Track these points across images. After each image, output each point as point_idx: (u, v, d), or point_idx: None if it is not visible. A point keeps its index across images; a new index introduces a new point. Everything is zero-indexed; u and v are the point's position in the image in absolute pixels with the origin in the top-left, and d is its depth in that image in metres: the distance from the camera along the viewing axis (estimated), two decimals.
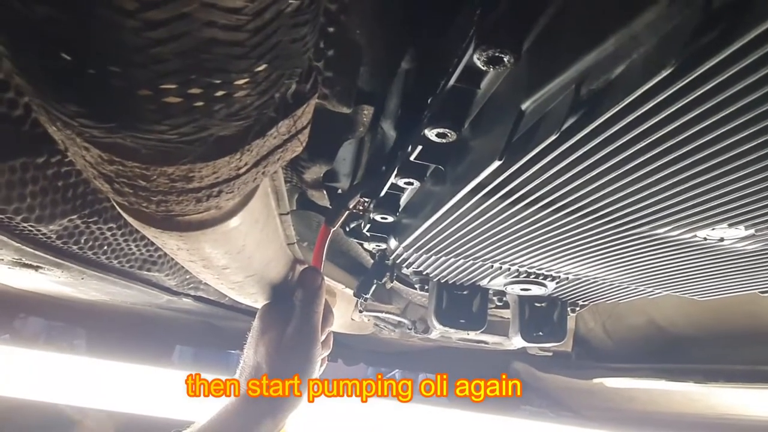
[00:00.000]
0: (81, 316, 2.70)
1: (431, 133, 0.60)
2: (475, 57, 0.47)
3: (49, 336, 3.49)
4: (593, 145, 0.45)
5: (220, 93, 0.33)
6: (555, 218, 0.64)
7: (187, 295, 1.32)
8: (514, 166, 0.52)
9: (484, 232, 0.73)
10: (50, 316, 2.98)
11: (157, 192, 0.45)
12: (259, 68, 0.34)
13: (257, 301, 1.06)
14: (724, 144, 0.43)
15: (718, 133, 0.41)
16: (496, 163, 0.51)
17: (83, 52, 0.29)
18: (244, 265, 0.79)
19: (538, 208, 0.61)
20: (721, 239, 0.66)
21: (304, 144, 0.55)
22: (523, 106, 0.47)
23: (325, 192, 1.03)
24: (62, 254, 0.86)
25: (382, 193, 0.83)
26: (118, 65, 0.30)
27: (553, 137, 0.45)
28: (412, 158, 0.66)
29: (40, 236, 0.77)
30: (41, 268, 0.94)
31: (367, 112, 0.78)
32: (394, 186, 0.80)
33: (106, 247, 0.90)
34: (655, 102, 0.38)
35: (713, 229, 0.62)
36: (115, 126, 0.34)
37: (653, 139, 0.43)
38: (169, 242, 0.61)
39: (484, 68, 0.48)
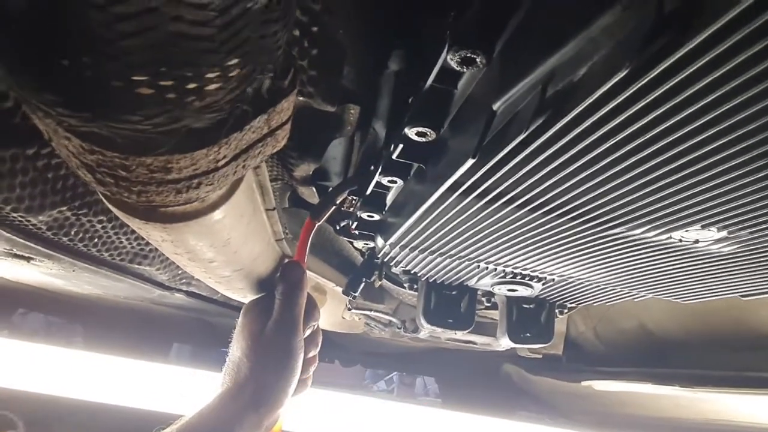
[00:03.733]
0: (78, 311, 2.72)
1: (411, 132, 0.62)
2: (449, 57, 0.49)
3: (47, 333, 3.50)
4: (560, 145, 0.47)
5: (191, 86, 0.35)
6: (532, 218, 0.65)
7: (179, 291, 1.34)
8: (488, 164, 0.53)
9: (465, 231, 0.74)
10: (47, 311, 3.00)
11: (137, 182, 0.47)
12: (230, 63, 0.35)
13: (246, 296, 1.07)
14: (686, 146, 0.44)
15: (680, 134, 0.43)
16: (470, 162, 0.53)
17: (56, 44, 0.31)
18: (231, 260, 0.80)
19: (514, 207, 0.62)
20: (696, 241, 0.67)
21: (284, 140, 0.56)
22: (495, 106, 0.48)
23: (314, 189, 1.05)
24: (53, 246, 0.88)
25: (368, 191, 0.85)
26: (90, 56, 0.31)
27: (521, 137, 0.46)
28: (394, 156, 0.68)
29: (30, 227, 0.78)
30: (33, 259, 0.95)
31: (354, 111, 0.79)
32: (379, 184, 0.81)
33: (96, 240, 0.91)
34: (616, 103, 0.40)
35: (687, 230, 0.63)
36: (91, 115, 0.35)
37: (617, 140, 0.45)
38: (153, 234, 0.62)
39: (458, 68, 0.50)
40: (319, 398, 2.33)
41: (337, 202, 0.96)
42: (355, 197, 0.94)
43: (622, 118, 0.41)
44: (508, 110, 0.48)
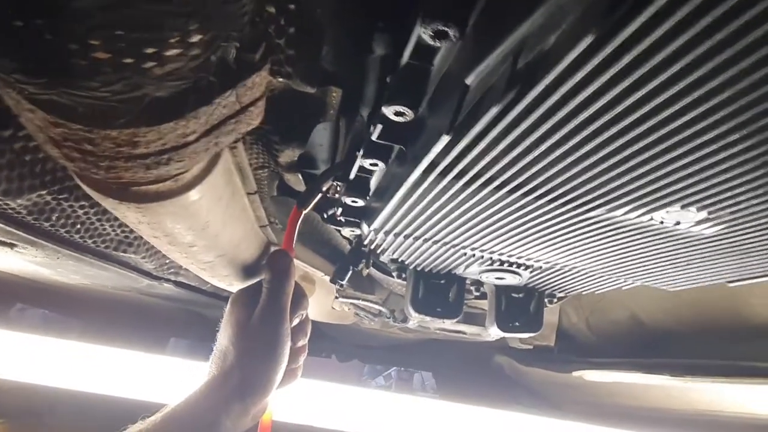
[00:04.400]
0: (73, 305, 2.71)
1: (389, 111, 0.61)
2: (422, 32, 0.48)
3: (46, 328, 3.49)
4: (533, 120, 0.46)
5: (149, 50, 0.34)
6: (510, 200, 0.65)
7: (167, 280, 1.33)
8: (463, 142, 0.52)
9: (446, 216, 0.74)
10: (41, 304, 2.99)
11: (104, 157, 0.46)
12: (190, 27, 0.35)
13: (232, 284, 1.07)
14: (657, 120, 0.44)
15: (649, 107, 0.42)
16: (445, 139, 0.52)
17: (9, 4, 0.30)
18: (212, 244, 0.80)
19: (492, 189, 0.62)
20: (678, 223, 0.66)
21: (259, 118, 0.56)
22: (468, 81, 0.48)
23: (300, 176, 1.04)
24: (34, 231, 0.87)
25: (352, 176, 0.84)
26: (43, 18, 0.31)
27: (493, 111, 0.46)
28: (374, 138, 0.67)
29: (10, 211, 0.78)
30: (16, 245, 0.94)
31: (336, 94, 0.78)
32: (362, 168, 0.81)
33: (79, 226, 0.90)
34: (584, 73, 0.39)
35: (667, 211, 0.63)
36: (48, 81, 0.34)
37: (589, 113, 0.44)
38: (128, 214, 0.62)
39: (431, 43, 0.49)
40: (314, 389, 2.34)
41: (323, 189, 0.96)
42: (339, 183, 0.93)
43: (592, 89, 0.41)
44: (482, 85, 0.47)
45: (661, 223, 0.67)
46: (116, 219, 0.95)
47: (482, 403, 2.32)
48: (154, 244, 0.77)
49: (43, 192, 0.77)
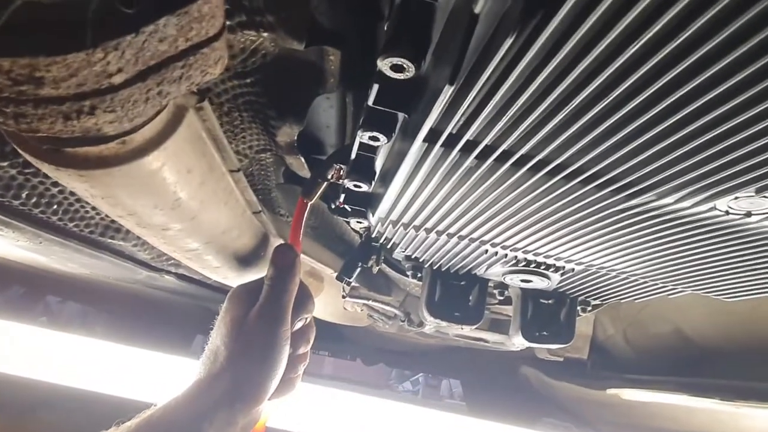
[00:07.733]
0: (95, 298, 2.69)
1: (385, 66, 0.49)
2: None
3: (84, 322, 3.47)
4: (565, 57, 0.34)
5: None
6: (534, 182, 0.53)
7: (168, 272, 1.24)
8: (471, 97, 0.41)
9: (458, 201, 0.62)
10: (66, 296, 2.98)
11: (6, 99, 0.36)
12: None
13: (226, 277, 0.98)
14: (740, 52, 0.31)
15: (736, 28, 0.30)
16: (448, 91, 0.41)
17: None
18: (191, 228, 0.70)
19: (510, 166, 0.50)
20: (748, 214, 0.53)
21: (219, 65, 0.45)
22: (477, 9, 0.36)
23: (303, 160, 0.93)
24: (7, 211, 0.79)
25: (353, 155, 0.73)
26: None
27: (509, 44, 0.34)
28: (370, 102, 0.56)
29: None
30: None
31: (334, 58, 0.68)
32: (363, 146, 0.69)
33: (56, 207, 0.82)
34: None
35: (735, 197, 0.50)
36: None
37: (645, 42, 0.32)
38: (75, 185, 0.52)
39: None
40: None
41: (328, 176, 0.85)
42: (343, 166, 0.82)
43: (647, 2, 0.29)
44: (494, 11, 0.36)
45: (726, 213, 0.54)
46: None
47: (507, 417, 2.17)
48: (125, 225, 0.68)
49: (5, 164, 0.68)
